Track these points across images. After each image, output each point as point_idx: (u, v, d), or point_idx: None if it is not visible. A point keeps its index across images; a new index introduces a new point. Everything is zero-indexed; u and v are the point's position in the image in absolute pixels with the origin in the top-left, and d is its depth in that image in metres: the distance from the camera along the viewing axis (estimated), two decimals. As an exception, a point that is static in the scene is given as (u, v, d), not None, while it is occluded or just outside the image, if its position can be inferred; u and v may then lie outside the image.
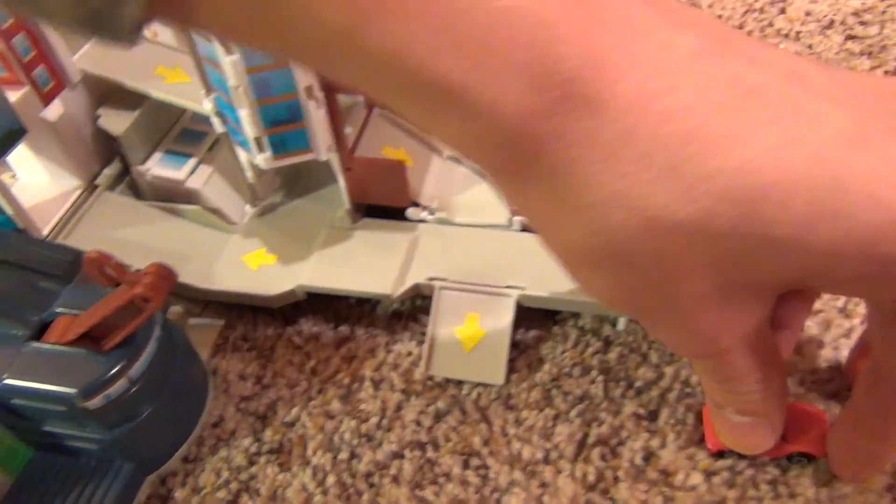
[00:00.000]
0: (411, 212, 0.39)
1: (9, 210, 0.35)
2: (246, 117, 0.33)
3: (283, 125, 0.33)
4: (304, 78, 0.32)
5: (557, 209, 0.18)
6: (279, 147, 0.34)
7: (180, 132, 0.42)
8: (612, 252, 0.18)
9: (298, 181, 0.42)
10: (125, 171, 0.42)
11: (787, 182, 0.16)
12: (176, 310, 0.38)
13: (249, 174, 0.38)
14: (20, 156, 0.40)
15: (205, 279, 0.38)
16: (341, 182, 0.38)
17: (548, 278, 0.34)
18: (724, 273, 0.18)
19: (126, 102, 0.40)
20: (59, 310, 0.30)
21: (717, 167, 0.16)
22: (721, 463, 0.29)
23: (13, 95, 0.35)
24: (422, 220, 0.39)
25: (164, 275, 0.28)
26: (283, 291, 0.36)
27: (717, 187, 0.16)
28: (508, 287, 0.35)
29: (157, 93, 0.38)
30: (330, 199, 0.40)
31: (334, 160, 0.37)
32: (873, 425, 0.23)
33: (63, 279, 0.32)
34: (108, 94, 0.40)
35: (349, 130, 0.38)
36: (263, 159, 0.35)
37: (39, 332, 0.30)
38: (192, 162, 0.40)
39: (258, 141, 0.34)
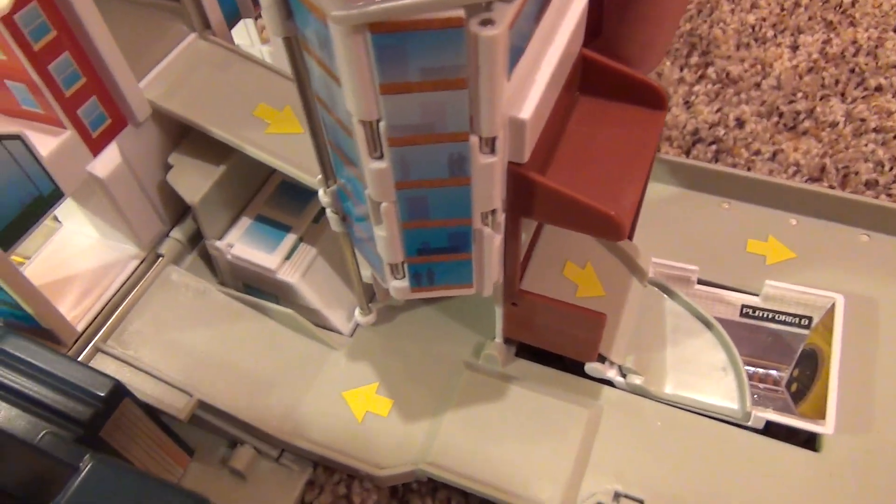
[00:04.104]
0: (593, 368, 0.26)
1: (28, 308, 0.24)
2: (383, 240, 0.20)
3: (435, 254, 0.21)
4: (487, 199, 0.19)
5: None
6: (424, 279, 0.22)
7: (277, 187, 0.30)
8: None
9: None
10: (199, 233, 0.30)
11: None
12: (245, 452, 0.27)
13: (359, 286, 0.27)
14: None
15: (286, 420, 0.26)
16: (498, 315, 0.26)
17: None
18: None
19: (207, 149, 0.28)
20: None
21: None
22: None
23: (49, 144, 0.24)
24: (607, 382, 0.26)
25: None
26: (396, 472, 0.25)
27: None
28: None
29: (254, 150, 0.26)
30: (472, 308, 0.28)
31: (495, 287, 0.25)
32: None
33: (88, 429, 0.22)
34: (184, 132, 0.29)
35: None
36: (397, 289, 0.23)
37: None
38: (288, 240, 0.28)
39: (394, 267, 0.22)
